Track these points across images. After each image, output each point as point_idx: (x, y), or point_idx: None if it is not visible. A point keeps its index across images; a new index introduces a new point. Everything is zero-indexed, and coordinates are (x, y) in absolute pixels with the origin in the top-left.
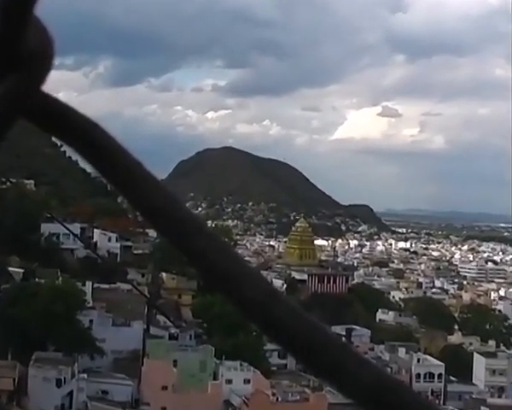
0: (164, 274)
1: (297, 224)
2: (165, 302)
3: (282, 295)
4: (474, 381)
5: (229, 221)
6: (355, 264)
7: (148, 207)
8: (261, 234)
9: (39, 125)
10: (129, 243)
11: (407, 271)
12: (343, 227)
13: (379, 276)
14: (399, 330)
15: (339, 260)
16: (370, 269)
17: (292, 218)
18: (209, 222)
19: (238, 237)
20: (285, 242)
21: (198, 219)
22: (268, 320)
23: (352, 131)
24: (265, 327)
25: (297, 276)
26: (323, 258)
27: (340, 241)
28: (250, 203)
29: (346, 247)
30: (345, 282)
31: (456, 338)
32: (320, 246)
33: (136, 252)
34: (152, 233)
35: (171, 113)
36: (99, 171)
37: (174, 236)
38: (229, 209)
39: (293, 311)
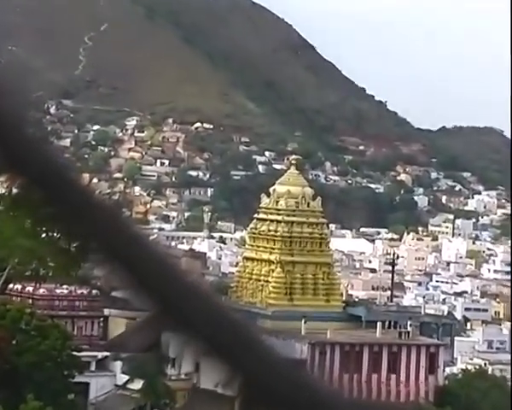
0: None
1: (277, 186)
2: None
3: (259, 337)
4: None
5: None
6: (457, 313)
7: (13, 157)
8: (172, 219)
9: None
10: None
11: None
12: (419, 199)
13: None
14: None
15: (405, 299)
16: (506, 329)
17: (266, 165)
18: None
19: None
20: (243, 244)
21: (94, 192)
22: (239, 373)
23: None
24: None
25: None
26: (359, 294)
27: (410, 238)
28: (134, 117)
29: (433, 258)
30: (426, 367)
31: None
32: (350, 255)
33: None
34: None
35: None
36: None
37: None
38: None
39: (273, 364)
